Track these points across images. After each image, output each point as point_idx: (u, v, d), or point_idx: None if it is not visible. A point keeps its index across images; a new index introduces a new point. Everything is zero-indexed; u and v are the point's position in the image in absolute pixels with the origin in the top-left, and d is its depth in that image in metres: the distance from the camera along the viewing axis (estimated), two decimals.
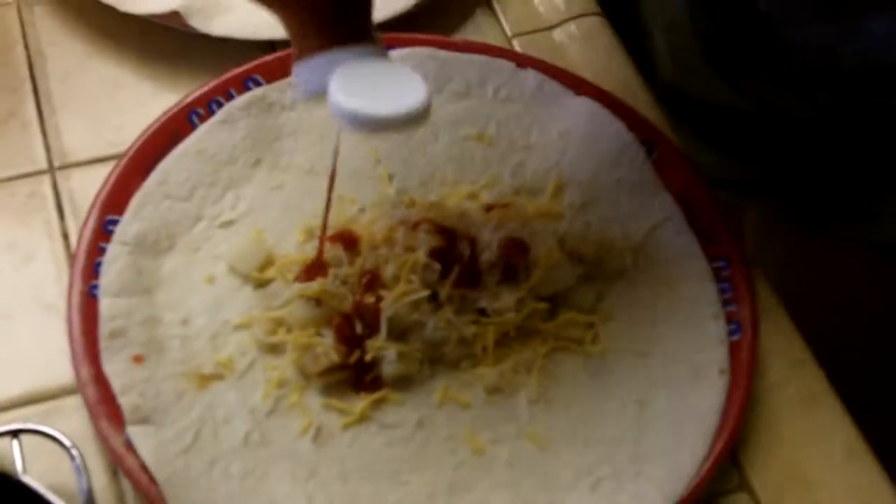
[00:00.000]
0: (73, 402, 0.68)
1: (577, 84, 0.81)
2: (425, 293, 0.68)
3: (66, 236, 0.75)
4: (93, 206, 0.72)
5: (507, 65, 0.82)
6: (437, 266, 0.69)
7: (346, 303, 0.68)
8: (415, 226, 0.70)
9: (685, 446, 0.67)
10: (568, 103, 0.81)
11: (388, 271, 0.69)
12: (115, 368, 0.67)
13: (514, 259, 0.70)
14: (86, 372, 0.67)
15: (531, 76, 0.82)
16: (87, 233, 0.71)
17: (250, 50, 0.81)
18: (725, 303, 0.73)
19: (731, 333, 0.71)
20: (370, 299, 0.68)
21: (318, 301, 0.68)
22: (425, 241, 0.69)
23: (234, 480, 0.65)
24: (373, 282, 0.69)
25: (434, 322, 0.68)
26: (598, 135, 0.79)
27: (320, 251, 0.70)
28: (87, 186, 0.75)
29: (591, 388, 0.70)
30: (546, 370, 0.70)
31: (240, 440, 0.66)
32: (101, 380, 0.66)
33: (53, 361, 0.69)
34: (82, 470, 0.61)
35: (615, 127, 0.79)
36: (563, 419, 0.69)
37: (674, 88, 0.89)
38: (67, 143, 0.79)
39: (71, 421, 0.67)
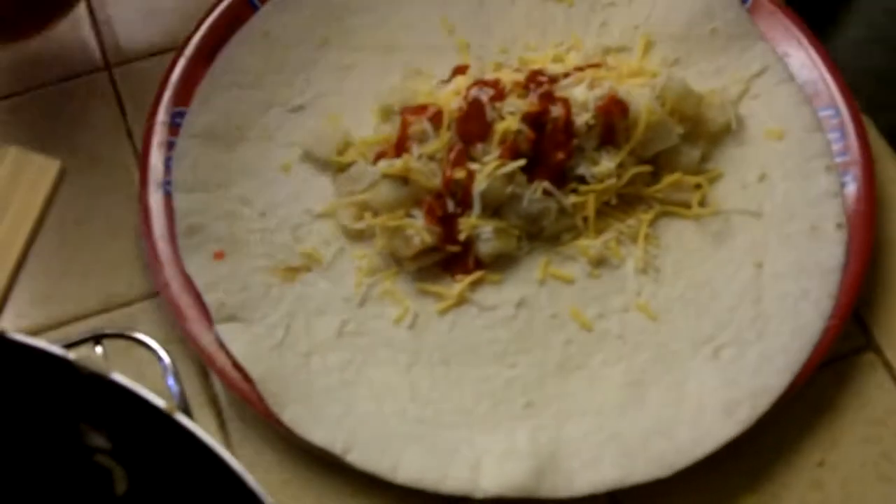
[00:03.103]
0: (154, 307, 0.63)
1: None
2: (520, 163, 0.62)
3: (129, 134, 0.69)
4: (157, 99, 0.67)
5: None
6: (531, 133, 0.62)
7: (434, 180, 0.62)
8: (503, 91, 0.63)
9: (808, 305, 0.61)
10: None
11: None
12: (197, 266, 0.62)
13: (613, 120, 0.63)
14: (167, 272, 0.62)
15: None
16: (156, 127, 0.66)
17: None
18: (836, 153, 0.66)
19: (845, 185, 0.65)
20: (460, 174, 0.62)
21: (404, 180, 0.62)
22: (517, 107, 0.62)
23: (333, 372, 0.60)
24: (461, 155, 0.62)
25: (530, 194, 0.63)
26: None
27: (403, 126, 0.64)
28: (148, 81, 0.69)
29: (701, 253, 0.64)
30: (652, 238, 0.65)
31: (334, 331, 0.61)
32: (183, 279, 0.62)
33: (129, 265, 0.65)
34: (173, 372, 0.56)
35: None
36: (675, 288, 0.63)
37: None
38: (122, 37, 0.73)
39: (153, 326, 0.63)
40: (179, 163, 0.65)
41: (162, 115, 0.66)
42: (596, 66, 0.67)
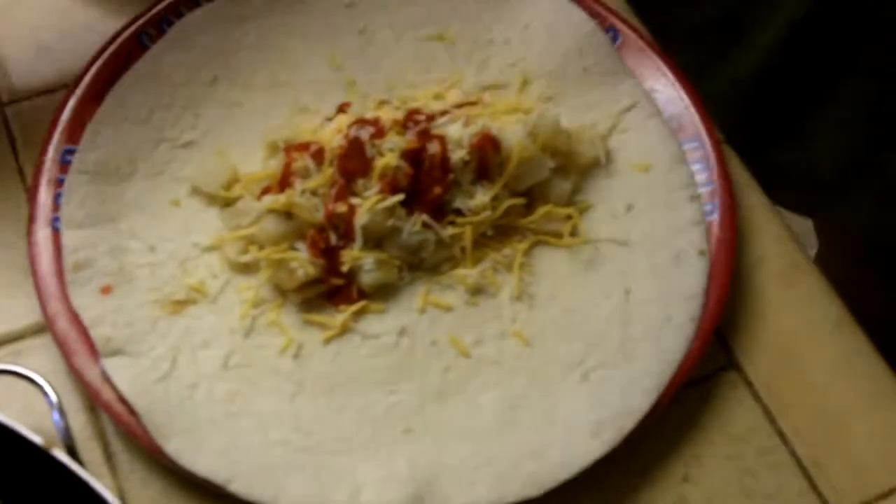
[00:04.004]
0: (42, 342, 0.62)
1: None
2: (399, 198, 0.62)
3: (21, 172, 0.68)
4: (48, 137, 0.66)
5: None
6: (409, 169, 0.62)
7: (317, 214, 0.62)
8: (383, 129, 0.63)
9: (672, 329, 0.62)
10: None
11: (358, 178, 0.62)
12: (84, 301, 0.61)
13: (487, 156, 0.64)
14: (54, 307, 0.61)
15: None
16: (45, 165, 0.65)
17: None
18: (700, 184, 0.67)
19: (708, 214, 0.66)
20: (342, 208, 0.62)
21: (288, 214, 0.62)
22: (396, 144, 0.62)
23: (218, 404, 0.59)
24: (343, 190, 0.62)
25: (410, 227, 0.62)
26: (562, 26, 0.72)
27: (287, 162, 0.63)
28: (40, 119, 0.68)
29: (573, 280, 0.65)
30: (527, 266, 0.65)
31: (220, 363, 0.60)
32: (70, 314, 0.60)
33: (18, 301, 0.63)
34: (57, 407, 0.55)
35: (578, 16, 0.72)
36: (548, 314, 0.64)
37: None
38: (15, 76, 0.71)
39: (41, 360, 0.61)
40: (68, 199, 0.63)
41: (52, 153, 0.65)
42: (473, 103, 0.67)
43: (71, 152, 0.65)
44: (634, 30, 0.72)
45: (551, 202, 0.66)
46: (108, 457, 0.59)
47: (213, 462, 0.57)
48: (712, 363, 0.64)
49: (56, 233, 0.63)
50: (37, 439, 0.50)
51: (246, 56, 0.70)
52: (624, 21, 0.73)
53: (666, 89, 0.70)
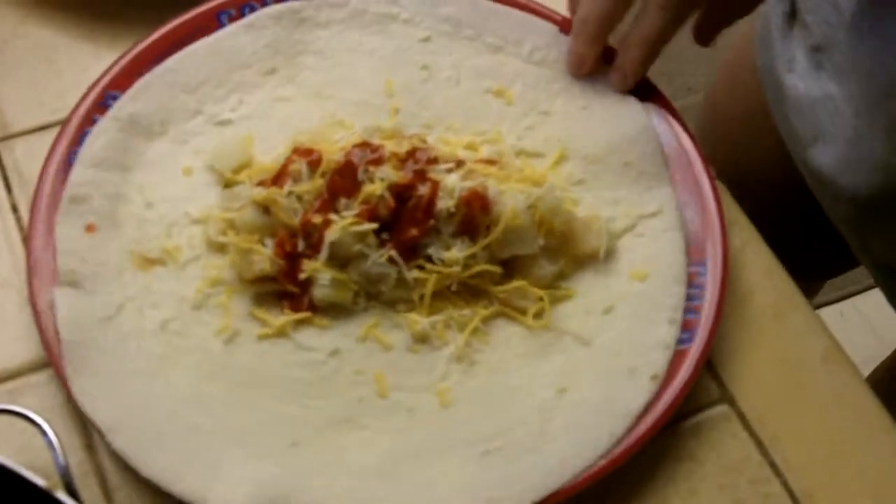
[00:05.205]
0: (39, 379, 0.63)
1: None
2: (372, 226, 0.63)
3: (15, 209, 0.68)
4: (43, 174, 0.66)
5: (550, 27, 0.74)
6: (391, 201, 0.63)
7: (293, 218, 0.64)
8: (382, 157, 0.64)
9: (590, 438, 0.60)
10: (602, 78, 0.73)
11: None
12: (66, 231, 0.64)
13: (474, 212, 0.63)
14: (39, 230, 0.64)
15: None
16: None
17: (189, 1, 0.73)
18: (689, 310, 0.64)
19: (682, 342, 0.63)
20: (318, 219, 0.63)
21: (266, 209, 0.64)
22: (387, 175, 0.63)
23: (141, 360, 0.62)
24: (326, 203, 0.64)
25: (376, 257, 0.63)
26: (620, 115, 0.71)
27: (286, 162, 0.65)
28: (33, 156, 0.68)
29: (521, 361, 0.64)
30: (481, 333, 0.64)
31: (158, 324, 0.63)
32: (51, 243, 0.64)
33: (14, 339, 0.64)
34: (56, 445, 0.55)
35: (639, 111, 0.71)
36: (480, 384, 0.63)
37: None
38: (8, 114, 0.72)
39: (39, 399, 0.62)
40: (94, 139, 0.68)
41: (97, 95, 0.69)
42: (493, 162, 0.67)
43: (114, 98, 0.69)
44: (691, 138, 0.70)
45: (531, 279, 0.65)
46: (106, 492, 0.60)
47: (107, 411, 0.59)
48: (706, 396, 0.65)
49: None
50: (40, 482, 0.51)
51: (309, 58, 0.73)
52: (685, 127, 0.71)
53: (696, 207, 0.68)
